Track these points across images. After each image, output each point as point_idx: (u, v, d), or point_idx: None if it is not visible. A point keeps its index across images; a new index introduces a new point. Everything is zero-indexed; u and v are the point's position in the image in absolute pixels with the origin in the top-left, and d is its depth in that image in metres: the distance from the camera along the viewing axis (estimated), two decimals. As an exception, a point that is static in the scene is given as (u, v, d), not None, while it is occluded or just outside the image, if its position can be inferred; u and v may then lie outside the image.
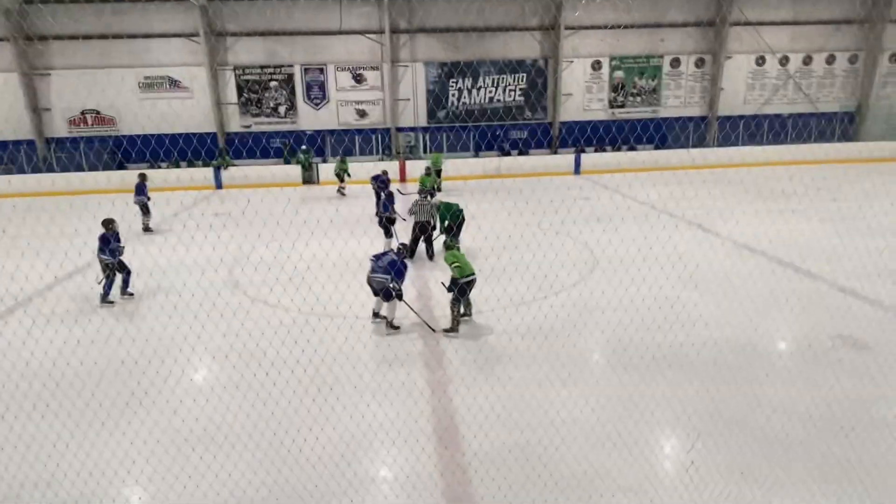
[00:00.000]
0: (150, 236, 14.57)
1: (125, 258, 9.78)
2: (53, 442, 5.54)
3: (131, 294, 9.86)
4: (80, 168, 23.66)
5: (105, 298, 9.47)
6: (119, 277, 9.66)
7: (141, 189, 14.82)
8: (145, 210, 15.01)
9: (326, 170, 23.10)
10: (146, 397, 6.53)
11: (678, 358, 7.21)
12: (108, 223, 9.53)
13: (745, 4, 25.47)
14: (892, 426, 5.77)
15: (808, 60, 27.12)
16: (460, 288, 7.92)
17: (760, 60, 26.96)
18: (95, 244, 9.49)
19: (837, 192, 17.75)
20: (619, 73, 26.69)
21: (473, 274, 8.10)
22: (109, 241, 9.36)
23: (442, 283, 8.31)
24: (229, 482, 5.02)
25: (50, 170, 23.28)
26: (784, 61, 27.02)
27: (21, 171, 23.11)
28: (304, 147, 23.67)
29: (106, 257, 9.33)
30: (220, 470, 5.18)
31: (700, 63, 26.85)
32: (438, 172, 19.93)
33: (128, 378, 6.98)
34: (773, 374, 6.74)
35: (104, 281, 9.43)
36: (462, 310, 8.28)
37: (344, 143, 25.56)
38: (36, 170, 23.28)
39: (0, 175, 22.24)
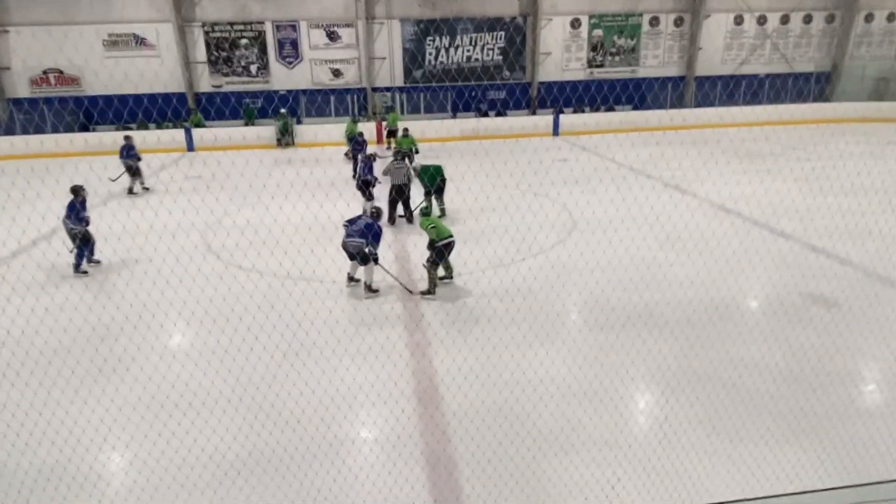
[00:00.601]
0: (120, 200, 14.18)
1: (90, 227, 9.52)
2: (25, 410, 5.46)
3: (98, 262, 9.63)
4: (42, 130, 22.82)
5: (78, 268, 9.23)
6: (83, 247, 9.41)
7: (129, 150, 14.44)
8: (136, 172, 14.63)
9: (301, 131, 22.67)
10: (120, 364, 6.45)
11: (653, 317, 7.33)
12: (77, 190, 9.20)
13: (726, -39, 25.18)
14: (857, 379, 5.97)
15: (785, 20, 27.05)
16: (438, 251, 7.89)
17: (739, 19, 26.81)
18: (60, 209, 9.20)
19: (811, 153, 17.95)
20: (599, 32, 26.35)
21: (451, 237, 8.07)
22: (77, 209, 9.06)
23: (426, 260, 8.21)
24: (208, 446, 5.01)
25: (11, 132, 22.42)
26: (762, 20, 26.92)
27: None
28: (282, 110, 23.02)
29: (73, 225, 9.03)
30: (199, 434, 5.17)
31: (679, 22, 26.61)
32: (394, 133, 19.78)
33: (100, 345, 6.87)
34: (745, 332, 6.89)
35: (75, 251, 9.17)
36: (443, 272, 8.28)
37: (317, 103, 25.02)
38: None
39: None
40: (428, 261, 8.02)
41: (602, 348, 6.61)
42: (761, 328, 6.99)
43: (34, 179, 12.09)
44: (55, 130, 22.61)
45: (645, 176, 15.36)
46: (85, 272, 9.25)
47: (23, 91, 23.65)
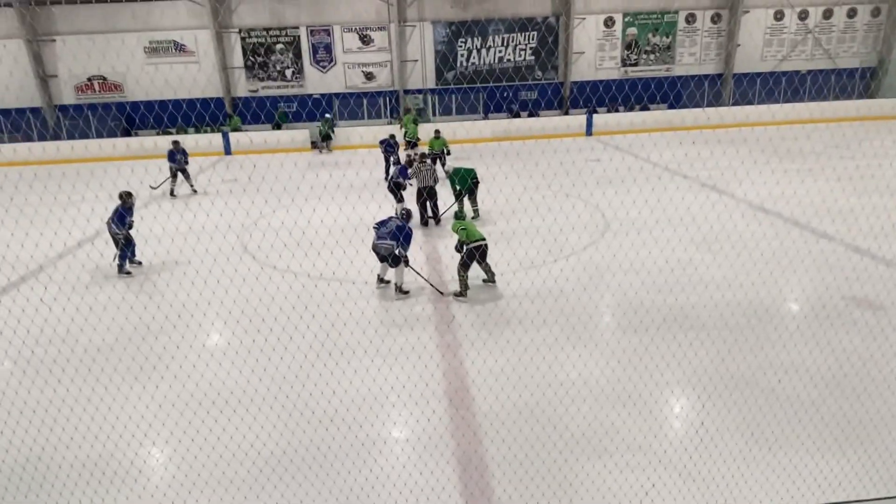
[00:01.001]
0: (160, 203, 14.59)
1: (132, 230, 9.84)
2: (71, 406, 5.66)
3: (139, 263, 9.93)
4: (87, 135, 23.64)
5: (122, 269, 9.54)
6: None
7: (175, 154, 14.94)
8: (185, 174, 15.19)
9: (337, 134, 22.98)
10: (160, 362, 6.63)
11: (689, 319, 7.19)
12: (127, 196, 9.51)
13: (765, -45, 24.57)
14: (904, 386, 5.75)
15: (828, 14, 26.21)
16: (469, 252, 7.87)
17: (779, 15, 26.09)
18: (105, 212, 9.51)
19: (855, 151, 17.37)
20: (633, 30, 25.98)
21: (482, 239, 8.03)
22: (122, 214, 9.38)
23: (455, 248, 8.24)
24: (244, 443, 5.12)
25: (57, 137, 23.28)
26: (803, 15, 26.15)
27: (28, 139, 23.12)
28: (327, 115, 23.30)
29: (117, 230, 9.36)
30: (235, 431, 5.28)
31: (716, 18, 26.04)
32: (413, 145, 19.28)
33: (141, 344, 7.08)
34: (784, 336, 6.70)
35: (118, 252, 9.49)
36: (487, 277, 8.28)
37: (354, 107, 25.29)
38: (43, 137, 23.27)
39: (7, 143, 22.28)
40: (459, 263, 8.02)
41: (636, 351, 6.51)
42: (802, 332, 6.79)
43: (78, 183, 12.53)
44: (99, 135, 23.39)
45: (681, 176, 15.08)
46: (128, 273, 9.54)
47: (68, 98, 24.55)
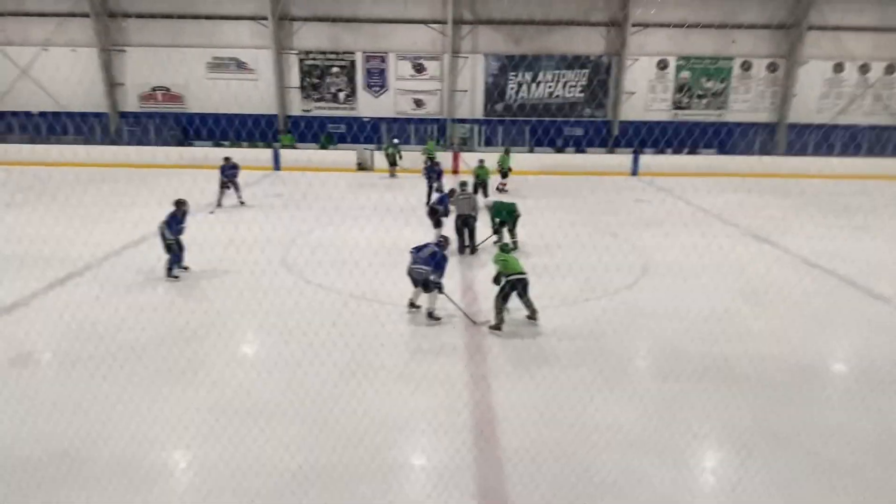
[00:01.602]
0: (209, 212, 15.03)
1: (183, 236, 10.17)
2: (113, 403, 5.82)
3: (186, 268, 10.23)
4: (149, 142, 24.68)
5: (171, 273, 9.85)
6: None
7: (226, 169, 15.56)
8: (237, 186, 15.76)
9: (380, 157, 23.36)
10: (200, 367, 6.78)
11: (732, 371, 6.97)
12: (181, 203, 9.87)
13: (825, 7, 24.23)
14: (960, 462, 5.44)
15: (890, 70, 25.59)
16: (509, 284, 7.82)
17: (838, 67, 25.60)
18: (160, 216, 9.87)
19: (914, 211, 16.75)
20: (686, 74, 25.85)
21: (522, 273, 7.95)
22: (178, 221, 9.73)
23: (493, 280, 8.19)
24: (273, 455, 5.17)
25: (121, 143, 24.39)
26: (864, 69, 25.60)
27: (94, 142, 24.28)
28: (395, 140, 23.54)
29: (169, 235, 9.70)
30: (265, 442, 5.34)
31: (773, 67, 25.71)
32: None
33: (184, 347, 7.25)
34: (832, 396, 6.44)
35: (169, 257, 9.81)
36: (529, 313, 8.10)
37: (394, 131, 25.73)
38: (109, 142, 24.41)
39: (76, 145, 23.40)
40: (498, 294, 7.95)
41: (675, 399, 6.34)
42: (849, 394, 6.51)
43: (132, 188, 13.05)
44: (161, 144, 24.43)
45: (728, 224, 14.79)
46: (176, 277, 9.83)
47: (132, 105, 25.73)
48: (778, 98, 26.02)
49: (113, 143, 24.32)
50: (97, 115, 25.19)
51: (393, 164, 22.18)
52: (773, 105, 26.17)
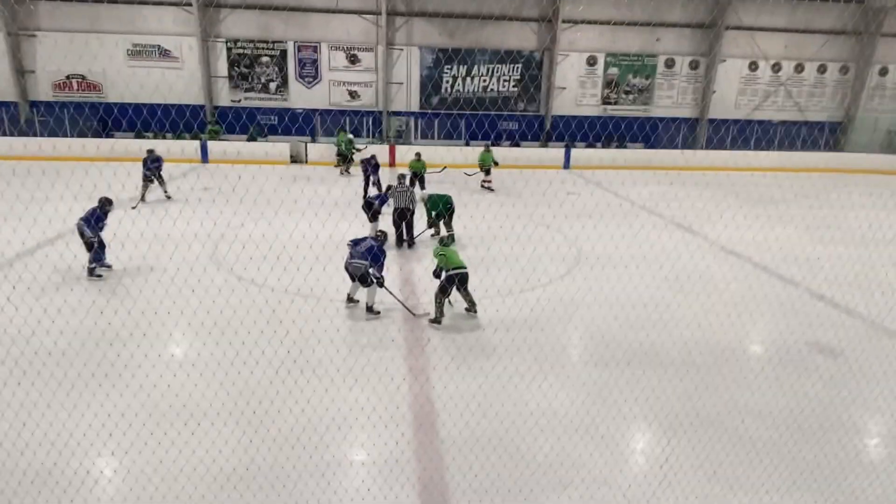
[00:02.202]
0: (133, 207, 14.33)
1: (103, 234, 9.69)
2: (29, 410, 5.48)
3: (109, 266, 9.74)
4: (64, 133, 23.20)
5: (93, 272, 9.36)
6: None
7: (151, 163, 14.85)
8: (160, 180, 15.09)
9: (315, 150, 22.93)
10: (125, 370, 6.48)
11: (657, 356, 7.31)
12: (107, 203, 9.39)
13: (742, 9, 25.63)
14: (860, 431, 5.93)
15: (799, 69, 27.37)
16: (448, 278, 7.87)
17: (753, 66, 27.16)
18: (78, 211, 9.33)
19: (822, 201, 18.02)
20: (614, 70, 26.71)
21: (462, 267, 8.01)
22: (99, 219, 9.26)
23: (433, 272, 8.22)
24: (206, 458, 5.01)
25: (33, 134, 22.80)
26: (777, 68, 27.25)
27: (3, 133, 22.61)
28: (344, 130, 22.37)
29: (90, 233, 9.22)
30: (198, 445, 5.17)
31: (694, 65, 26.95)
32: (343, 156, 20.72)
33: (108, 349, 6.91)
34: (749, 378, 6.86)
35: (90, 255, 9.33)
36: (467, 305, 8.20)
37: (326, 124, 25.34)
38: (19, 133, 22.77)
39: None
40: (438, 288, 7.99)
41: (605, 384, 6.59)
42: (766, 374, 6.96)
43: (46, 181, 12.25)
44: (79, 135, 22.98)
45: (654, 214, 15.43)
46: (100, 276, 9.35)
47: (45, 94, 24.12)
48: (699, 94, 27.32)
49: (23, 133, 22.71)
50: (4, 104, 23.47)
51: (346, 159, 20.78)
52: (694, 101, 27.47)
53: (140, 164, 14.86)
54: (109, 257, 9.72)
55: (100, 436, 5.25)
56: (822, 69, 27.41)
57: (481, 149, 18.99)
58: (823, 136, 27.80)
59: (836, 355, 7.49)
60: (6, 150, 20.57)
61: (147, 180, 14.79)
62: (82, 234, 9.26)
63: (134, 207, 14.01)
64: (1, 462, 4.93)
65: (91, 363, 6.58)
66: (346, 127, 25.06)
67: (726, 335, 7.99)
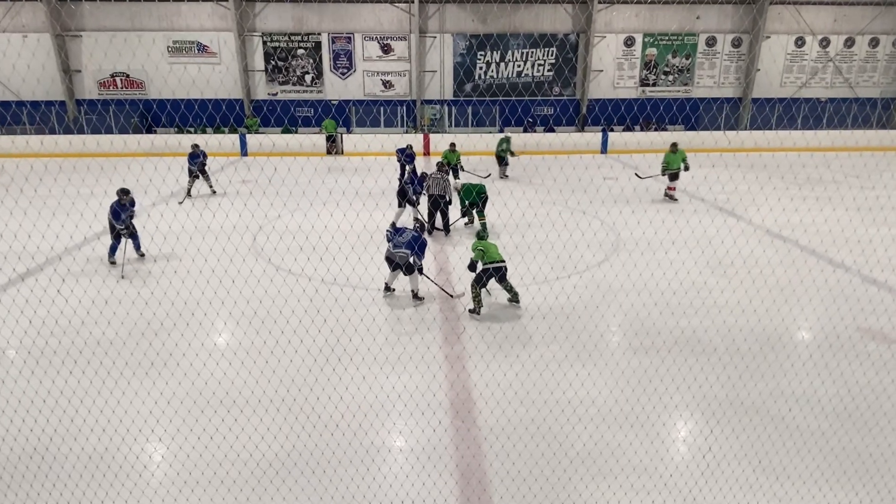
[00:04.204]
0: (178, 200, 14.70)
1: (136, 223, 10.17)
2: (81, 397, 5.70)
3: (143, 255, 10.21)
4: (109, 130, 23.96)
5: (111, 258, 9.86)
6: (128, 241, 9.98)
7: (195, 158, 15.16)
8: (205, 175, 15.41)
9: (351, 140, 23.09)
10: (171, 358, 6.67)
11: (700, 343, 7.14)
12: (125, 193, 9.73)
13: (788, -18, 24.62)
14: (917, 422, 5.67)
15: (850, 43, 26.15)
16: (483, 270, 7.81)
17: (800, 41, 26.08)
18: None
19: (875, 181, 17.24)
20: (652, 51, 26.05)
21: (501, 261, 7.88)
22: (124, 209, 9.64)
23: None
24: (248, 444, 5.13)
25: (80, 131, 23.62)
26: (825, 43, 26.10)
27: (52, 131, 23.47)
28: (507, 135, 18.76)
29: (118, 224, 9.63)
30: (241, 431, 5.30)
31: (737, 43, 26.05)
32: (330, 138, 21.33)
33: (153, 339, 7.13)
34: (796, 364, 6.63)
35: (112, 242, 9.82)
36: (510, 297, 8.12)
37: (372, 115, 25.49)
38: (66, 131, 23.62)
39: (32, 135, 22.62)
40: (474, 279, 7.93)
41: (645, 372, 6.47)
42: (814, 361, 6.72)
43: (90, 177, 12.67)
44: (121, 131, 23.72)
45: (695, 198, 15.03)
46: (113, 262, 9.80)
47: (91, 93, 24.91)
48: (742, 73, 26.41)
49: (69, 131, 23.54)
50: (54, 103, 24.34)
51: (505, 162, 18.23)
52: (737, 80, 26.58)
53: (184, 160, 15.21)
54: (152, 248, 10.02)
55: (147, 422, 5.43)
56: (873, 43, 26.14)
57: (667, 149, 15.04)
58: (875, 112, 26.53)
59: (890, 342, 7.18)
60: (54, 148, 21.35)
61: (193, 176, 15.13)
62: (111, 228, 9.69)
63: (181, 203, 14.37)
64: (56, 447, 5.15)
65: (138, 352, 6.80)
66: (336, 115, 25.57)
67: (772, 321, 7.75)
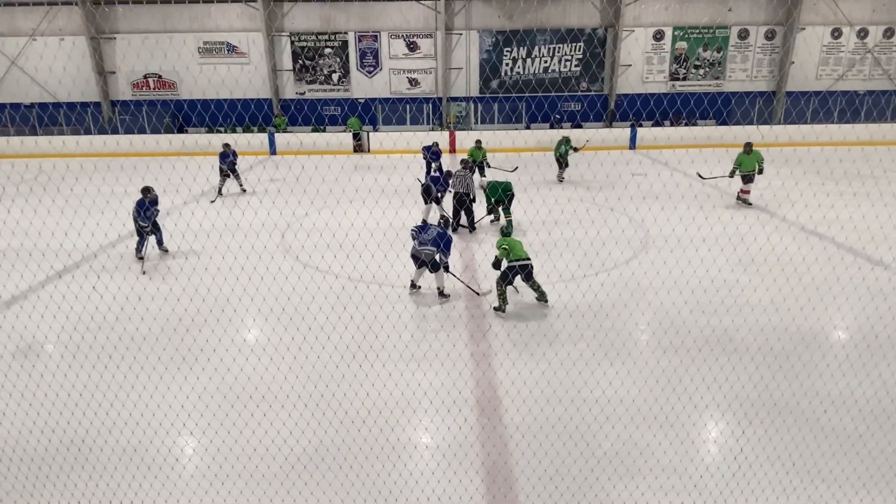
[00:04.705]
0: (209, 199, 14.96)
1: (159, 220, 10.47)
2: (115, 392, 5.85)
3: (166, 250, 10.55)
4: (142, 130, 24.53)
5: (139, 254, 10.15)
6: (153, 237, 10.33)
7: (225, 157, 15.41)
8: (236, 174, 15.62)
9: (378, 138, 23.19)
10: (202, 354, 6.79)
11: (732, 342, 7.00)
12: (148, 191, 9.99)
13: (824, -28, 23.94)
14: (961, 425, 5.47)
15: (889, 33, 25.31)
16: (509, 267, 7.76)
17: (836, 33, 25.33)
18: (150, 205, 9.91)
19: (914, 176, 16.67)
20: (683, 44, 25.59)
21: (527, 259, 7.81)
22: (147, 207, 9.92)
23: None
24: (277, 438, 5.20)
25: (114, 132, 24.23)
26: (862, 34, 25.31)
27: (87, 132, 24.12)
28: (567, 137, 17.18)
29: (142, 222, 9.93)
30: (269, 426, 5.37)
31: (770, 35, 25.42)
32: (356, 136, 21.54)
33: (185, 335, 7.27)
34: (832, 365, 6.45)
35: (138, 239, 10.14)
36: (537, 296, 8.03)
37: (398, 112, 25.59)
38: (101, 131, 24.24)
39: (68, 136, 23.26)
40: (499, 276, 7.90)
41: (675, 371, 6.37)
42: (851, 362, 6.53)
43: (123, 177, 12.99)
44: (154, 131, 24.26)
45: (727, 194, 14.73)
46: (141, 258, 10.05)
47: (125, 94, 25.52)
48: (776, 66, 25.79)
49: (106, 132, 24.16)
50: (89, 104, 25.00)
51: (566, 164, 17.01)
52: (770, 73, 25.96)
53: (215, 159, 15.47)
54: (182, 246, 10.23)
55: (179, 416, 5.54)
56: (914, 33, 25.28)
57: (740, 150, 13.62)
58: (918, 105, 25.66)
59: (932, 342, 6.93)
60: (89, 148, 21.91)
61: (224, 175, 15.37)
62: (135, 221, 9.98)
63: (212, 201, 14.62)
64: (92, 439, 5.29)
65: (170, 348, 6.95)
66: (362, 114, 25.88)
67: (807, 320, 7.55)
